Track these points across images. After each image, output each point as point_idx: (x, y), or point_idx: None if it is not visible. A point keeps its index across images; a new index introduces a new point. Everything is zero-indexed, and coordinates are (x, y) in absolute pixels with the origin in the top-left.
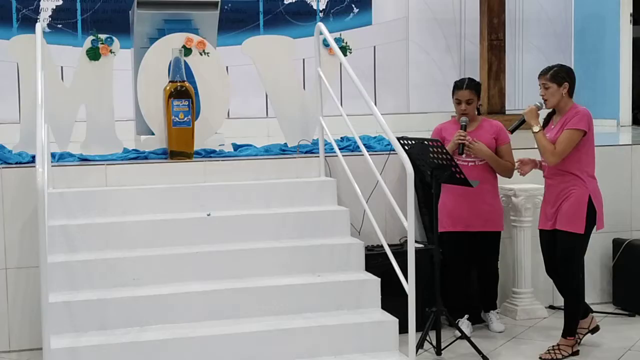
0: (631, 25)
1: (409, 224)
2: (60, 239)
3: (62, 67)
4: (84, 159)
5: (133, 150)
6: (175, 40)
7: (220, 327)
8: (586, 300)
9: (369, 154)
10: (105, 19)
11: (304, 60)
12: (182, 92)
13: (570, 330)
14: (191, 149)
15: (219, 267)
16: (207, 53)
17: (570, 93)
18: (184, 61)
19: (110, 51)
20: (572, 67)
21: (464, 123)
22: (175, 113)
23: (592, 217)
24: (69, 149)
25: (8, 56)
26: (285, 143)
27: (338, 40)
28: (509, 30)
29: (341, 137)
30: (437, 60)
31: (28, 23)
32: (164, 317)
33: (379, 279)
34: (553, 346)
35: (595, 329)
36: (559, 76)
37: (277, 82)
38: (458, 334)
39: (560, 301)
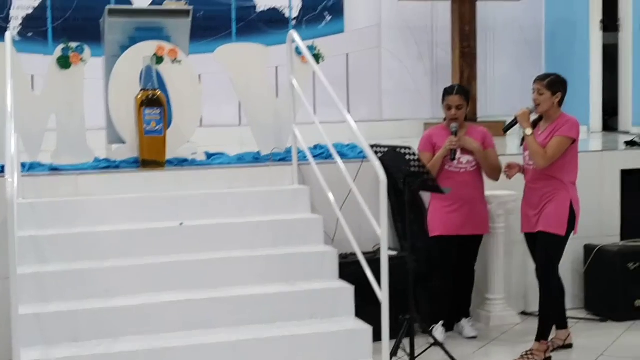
0: (601, 32)
1: (382, 231)
2: (31, 250)
3: (32, 76)
4: (54, 169)
5: (104, 159)
6: (146, 49)
7: (194, 338)
8: None
9: (343, 162)
10: (76, 27)
11: (277, 68)
12: (154, 100)
13: (543, 333)
14: (163, 158)
15: (192, 276)
16: (179, 61)
17: (561, 103)
18: (156, 69)
19: (81, 59)
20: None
21: (454, 129)
22: (147, 121)
23: (572, 221)
24: (39, 158)
25: None
26: (259, 151)
27: (311, 48)
28: (480, 38)
29: (315, 145)
30: (410, 68)
31: None
32: (136, 328)
33: (353, 287)
34: (527, 351)
35: (570, 346)
36: (555, 85)
37: (250, 90)
38: (432, 341)
39: (533, 307)
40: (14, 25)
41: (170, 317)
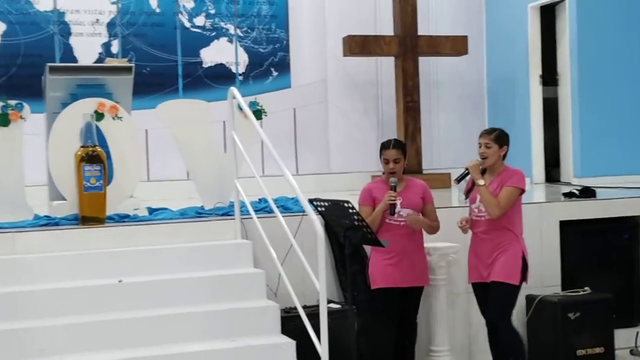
0: (541, 86)
1: (321, 285)
2: None
3: None
4: None
5: (44, 216)
6: (87, 105)
7: None
8: None
9: (287, 215)
10: (20, 84)
11: (224, 122)
12: (94, 156)
13: None
14: (103, 214)
15: (131, 334)
16: (120, 117)
17: (505, 156)
18: (96, 126)
19: (20, 117)
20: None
21: (393, 184)
22: (87, 178)
23: (524, 271)
24: None
25: None
26: (202, 206)
27: (253, 104)
28: (424, 92)
29: (259, 199)
30: (356, 122)
31: None
32: None
33: (294, 342)
34: None
35: None
36: (501, 139)
37: (192, 146)
38: None
39: (477, 358)
40: None
41: None
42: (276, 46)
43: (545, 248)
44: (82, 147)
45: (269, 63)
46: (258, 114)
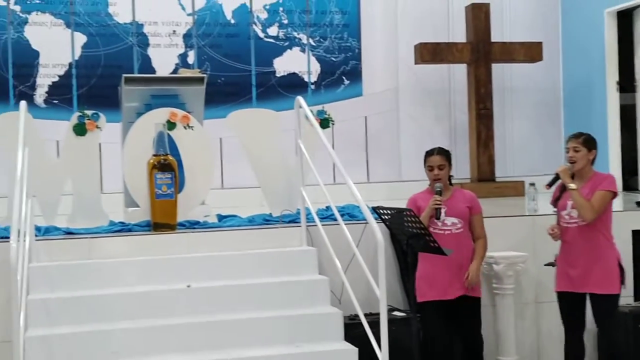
0: (618, 93)
1: (381, 292)
2: (41, 312)
3: (57, 142)
4: (69, 233)
5: (119, 222)
6: (159, 115)
7: None
8: None
9: (351, 223)
10: (100, 94)
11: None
12: (165, 165)
13: None
14: (174, 221)
15: (199, 338)
16: (192, 127)
17: (593, 161)
18: (168, 135)
19: (97, 126)
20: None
21: (439, 189)
22: (158, 186)
23: (621, 277)
24: (56, 222)
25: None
26: (270, 213)
27: (321, 113)
28: (498, 99)
29: (326, 206)
30: (428, 129)
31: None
32: None
33: (357, 349)
34: None
35: None
36: (590, 143)
37: (261, 154)
38: None
39: None
40: (40, 93)
41: None
42: (348, 55)
43: None
44: (154, 155)
45: (341, 71)
46: (326, 122)
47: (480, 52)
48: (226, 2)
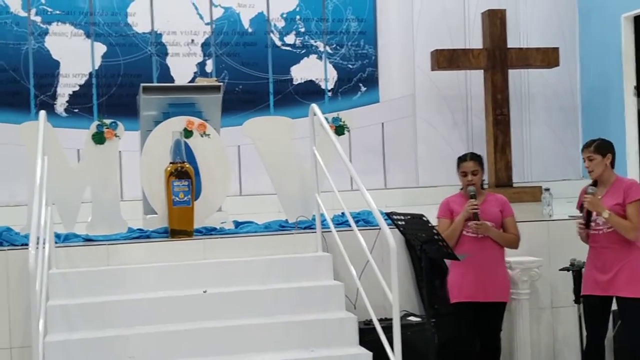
0: (636, 98)
1: (393, 297)
2: (60, 318)
3: (78, 150)
4: (88, 239)
5: (137, 229)
6: (176, 123)
7: None
8: None
9: (365, 229)
10: (120, 103)
11: None
12: (182, 172)
13: None
14: (191, 227)
15: (214, 343)
16: (208, 135)
17: (613, 164)
18: (185, 143)
19: (115, 135)
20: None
21: (472, 192)
22: (176, 193)
23: None
24: (75, 229)
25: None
26: (286, 219)
27: (336, 120)
28: (515, 105)
29: (341, 212)
30: (445, 135)
31: (45, 109)
32: None
33: (371, 354)
34: None
35: None
36: (602, 148)
37: (277, 161)
38: None
39: None
40: (61, 102)
41: None
42: (365, 62)
43: None
44: (171, 163)
45: (358, 79)
46: (341, 129)
47: (496, 58)
48: (244, 11)
